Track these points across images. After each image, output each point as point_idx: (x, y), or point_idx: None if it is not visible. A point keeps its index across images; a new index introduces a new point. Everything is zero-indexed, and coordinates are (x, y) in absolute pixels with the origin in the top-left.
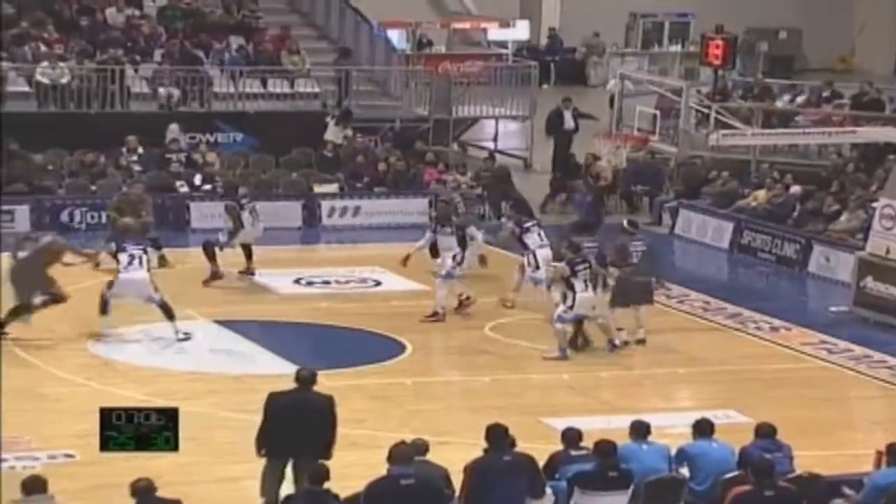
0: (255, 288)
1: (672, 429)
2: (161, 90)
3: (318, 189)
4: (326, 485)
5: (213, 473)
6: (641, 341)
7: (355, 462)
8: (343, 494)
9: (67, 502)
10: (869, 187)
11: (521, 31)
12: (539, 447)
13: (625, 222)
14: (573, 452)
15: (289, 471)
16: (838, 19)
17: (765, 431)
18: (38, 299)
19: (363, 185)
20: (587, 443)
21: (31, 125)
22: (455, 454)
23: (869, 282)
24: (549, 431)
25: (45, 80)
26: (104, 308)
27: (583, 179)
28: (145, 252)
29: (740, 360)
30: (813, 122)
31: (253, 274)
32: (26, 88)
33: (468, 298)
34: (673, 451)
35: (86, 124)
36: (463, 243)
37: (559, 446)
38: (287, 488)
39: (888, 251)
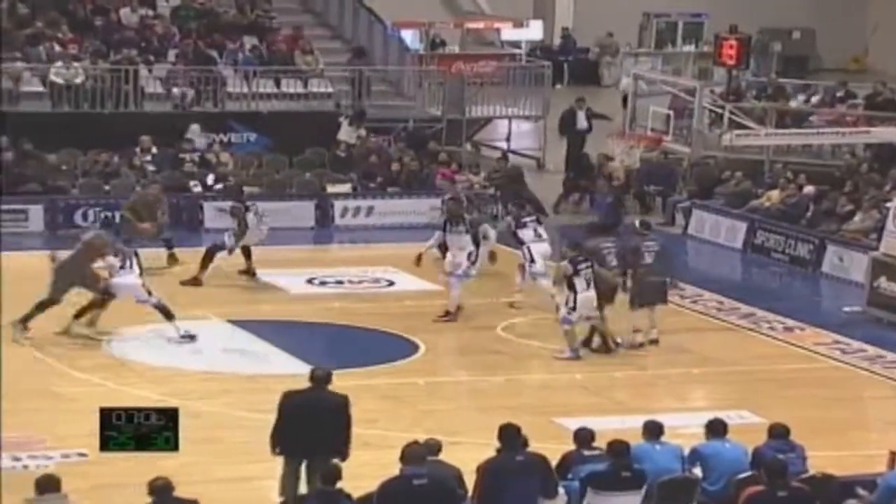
0: (268, 288)
1: (685, 429)
2: (175, 90)
3: (331, 189)
4: (339, 484)
5: (227, 473)
6: (654, 341)
7: (368, 462)
8: (356, 494)
9: (80, 501)
10: (883, 187)
11: (534, 31)
12: (552, 447)
13: (637, 223)
14: (586, 452)
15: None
16: (852, 19)
17: (778, 432)
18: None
19: (376, 185)
20: (600, 443)
21: (45, 125)
22: (468, 454)
23: (883, 282)
24: (561, 431)
25: (60, 80)
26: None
27: (603, 180)
28: (136, 255)
29: (753, 360)
30: (826, 122)
31: (254, 274)
32: (40, 88)
33: (458, 308)
34: (686, 452)
35: (99, 124)
36: (477, 241)
37: (572, 446)
38: (301, 488)
39: None
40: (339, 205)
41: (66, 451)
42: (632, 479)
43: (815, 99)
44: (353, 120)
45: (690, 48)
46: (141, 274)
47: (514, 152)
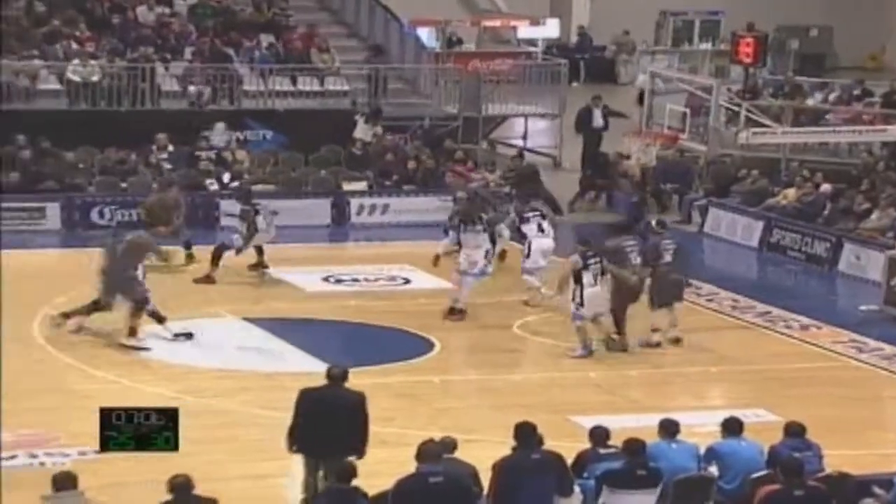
0: (283, 286)
1: (701, 427)
2: (191, 88)
3: (347, 187)
4: (355, 482)
5: (242, 470)
6: (677, 340)
7: (384, 460)
8: (371, 492)
9: (96, 498)
10: None
11: (551, 28)
12: (567, 445)
13: (653, 222)
14: (601, 451)
15: None
16: (869, 17)
17: (794, 430)
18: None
19: (392, 183)
20: (615, 441)
21: (62, 123)
22: (483, 452)
23: None
24: (577, 430)
25: (77, 78)
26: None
27: (626, 179)
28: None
29: (769, 358)
30: (843, 120)
31: (266, 267)
32: (58, 86)
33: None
34: (702, 450)
35: (116, 122)
36: (493, 240)
37: (587, 445)
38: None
39: None
40: (354, 203)
41: (83, 448)
42: (647, 478)
43: (832, 97)
44: (369, 118)
45: (707, 46)
46: (144, 277)
47: (530, 150)
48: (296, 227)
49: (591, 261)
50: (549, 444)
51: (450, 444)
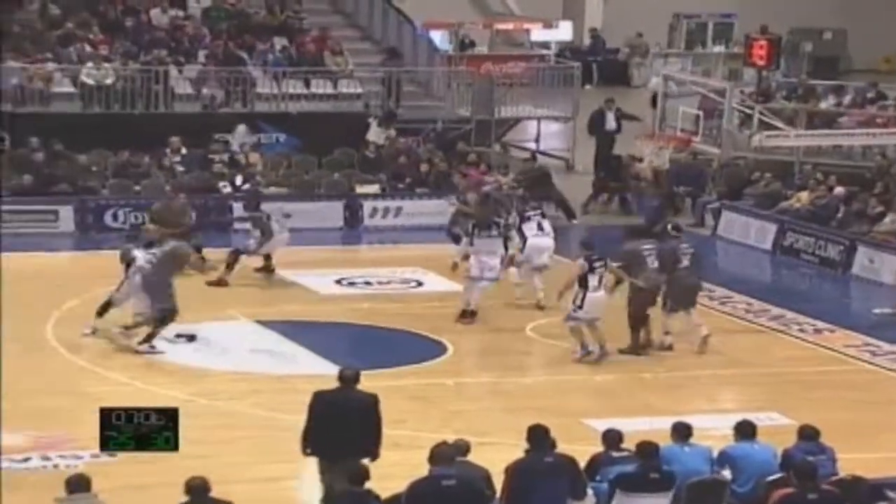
0: (296, 288)
1: (714, 430)
2: (205, 91)
3: (360, 189)
4: (368, 485)
5: (255, 473)
6: (705, 339)
7: (397, 462)
8: (384, 495)
9: (110, 501)
10: None
11: (563, 31)
12: (580, 448)
13: (668, 226)
14: (614, 454)
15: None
16: (883, 20)
17: (808, 434)
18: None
19: (405, 186)
20: (628, 444)
21: (76, 126)
22: (496, 455)
23: None
24: (590, 433)
25: (90, 81)
26: (105, 309)
27: (647, 182)
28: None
29: (783, 361)
30: (857, 124)
31: (272, 271)
32: (71, 89)
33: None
34: (715, 453)
35: (130, 125)
36: (506, 245)
37: (600, 448)
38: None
39: None
40: (367, 205)
41: (96, 451)
42: (660, 481)
43: (845, 100)
44: (383, 121)
45: (720, 49)
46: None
47: (543, 153)
48: (309, 229)
49: (597, 264)
50: (562, 447)
51: (463, 447)
